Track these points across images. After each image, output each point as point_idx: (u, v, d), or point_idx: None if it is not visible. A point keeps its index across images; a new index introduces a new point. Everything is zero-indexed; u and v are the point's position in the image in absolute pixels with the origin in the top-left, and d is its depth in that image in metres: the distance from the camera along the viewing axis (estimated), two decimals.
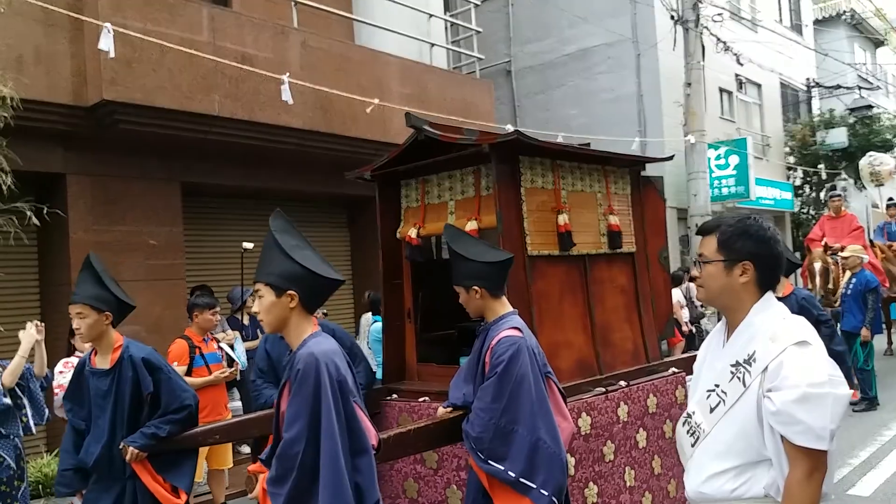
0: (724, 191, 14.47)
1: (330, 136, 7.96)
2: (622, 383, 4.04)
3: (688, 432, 2.15)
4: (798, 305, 5.17)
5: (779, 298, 4.55)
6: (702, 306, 11.76)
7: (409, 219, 4.27)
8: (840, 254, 8.95)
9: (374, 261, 9.50)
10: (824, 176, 18.57)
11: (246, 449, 7.12)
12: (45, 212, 5.66)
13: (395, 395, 4.12)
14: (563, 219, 3.97)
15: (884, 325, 12.85)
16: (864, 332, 8.15)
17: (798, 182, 18.94)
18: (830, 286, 9.05)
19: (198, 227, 8.37)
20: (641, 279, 4.53)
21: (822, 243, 9.56)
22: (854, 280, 8.54)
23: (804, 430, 1.82)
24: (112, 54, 5.47)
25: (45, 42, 6.32)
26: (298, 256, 2.49)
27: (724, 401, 2.02)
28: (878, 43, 25.56)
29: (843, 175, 18.97)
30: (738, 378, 1.98)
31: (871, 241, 11.39)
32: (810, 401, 1.81)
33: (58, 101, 6.39)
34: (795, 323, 2.01)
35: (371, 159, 8.78)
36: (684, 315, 11.10)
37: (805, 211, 19.08)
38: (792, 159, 18.82)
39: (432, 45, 9.72)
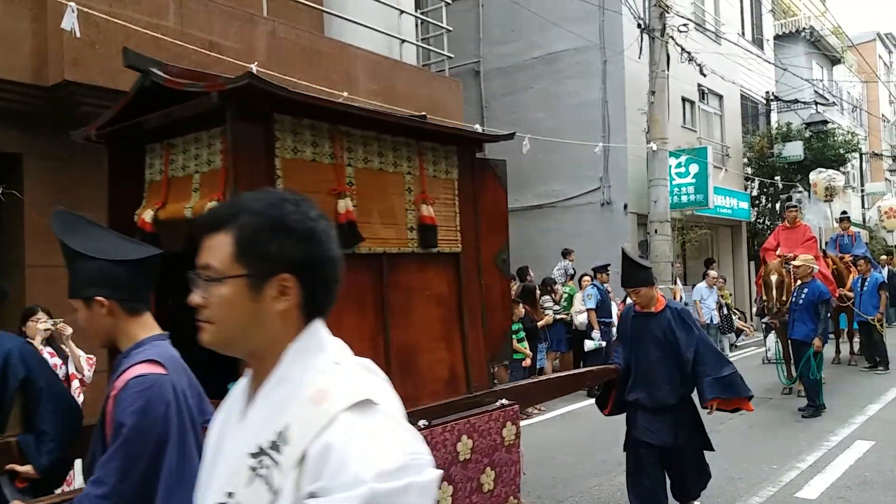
0: (684, 198, 14.76)
1: None
2: (421, 423, 3.09)
3: None
4: (678, 321, 4.55)
5: (651, 315, 4.54)
6: None
7: (151, 197, 3.23)
8: (792, 263, 9.07)
9: None
10: (780, 187, 19.05)
11: None
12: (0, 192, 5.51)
13: None
14: (344, 204, 3.00)
15: (832, 335, 13.29)
16: (817, 343, 8.23)
17: (755, 192, 19.39)
18: (784, 298, 9.12)
19: None
20: (468, 287, 3.62)
21: (777, 254, 9.67)
22: (806, 290, 8.55)
23: None
24: (78, 34, 5.34)
25: (5, 19, 6.14)
26: (90, 249, 2.02)
27: None
28: (835, 60, 26.33)
29: (799, 187, 19.50)
30: (262, 477, 1.11)
31: (823, 251, 11.74)
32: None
33: (16, 79, 6.21)
34: (357, 370, 1.25)
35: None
36: None
37: (761, 221, 19.54)
38: (750, 170, 19.27)
39: (402, 41, 9.71)
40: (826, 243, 13.54)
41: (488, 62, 15.88)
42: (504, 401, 3.67)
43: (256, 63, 6.67)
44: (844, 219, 13.25)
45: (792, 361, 9.02)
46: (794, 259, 9.03)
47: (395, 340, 3.25)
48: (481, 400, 3.62)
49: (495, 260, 3.96)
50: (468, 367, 3.62)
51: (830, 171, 16.88)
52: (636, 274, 4.54)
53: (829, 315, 8.80)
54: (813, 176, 16.87)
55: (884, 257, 16.35)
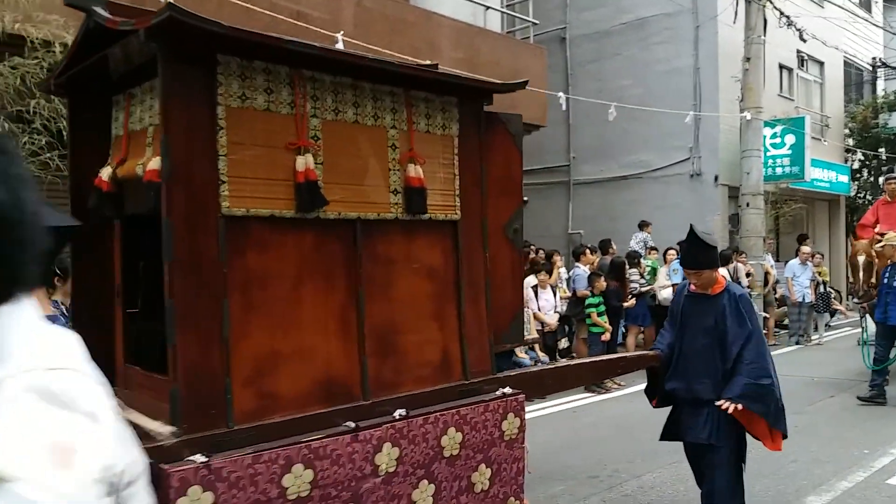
0: (779, 170, 14.12)
1: None
2: (397, 413, 2.80)
3: None
4: (733, 308, 4.03)
5: (706, 297, 4.05)
6: (748, 286, 11.57)
7: (113, 153, 2.91)
8: (876, 245, 8.45)
9: None
10: (885, 160, 17.95)
11: None
12: None
13: None
14: (304, 161, 2.62)
15: None
16: None
17: (856, 165, 18.36)
18: (874, 280, 8.50)
19: None
20: (469, 260, 3.19)
21: (876, 231, 9.01)
22: None
23: None
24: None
25: None
26: None
27: None
28: None
29: None
30: None
31: None
32: None
33: None
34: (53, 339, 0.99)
35: None
36: None
37: (861, 196, 18.51)
38: (851, 141, 18.24)
39: (487, 8, 9.60)
40: None
41: (574, 28, 15.50)
42: (507, 389, 3.26)
43: (342, 32, 6.75)
44: None
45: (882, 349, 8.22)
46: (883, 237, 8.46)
47: (372, 318, 2.84)
48: (479, 388, 3.19)
49: (505, 229, 3.45)
50: (465, 350, 3.17)
51: None
52: (700, 255, 4.04)
53: None
54: None
55: None
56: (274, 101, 2.58)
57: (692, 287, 4.16)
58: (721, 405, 3.87)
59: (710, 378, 4.00)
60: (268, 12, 6.69)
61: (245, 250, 2.50)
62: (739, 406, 3.83)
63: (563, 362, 3.84)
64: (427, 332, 3.06)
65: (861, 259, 8.68)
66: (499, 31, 10.00)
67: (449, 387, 3.09)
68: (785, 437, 4.07)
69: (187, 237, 2.32)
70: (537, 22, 10.83)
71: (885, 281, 8.14)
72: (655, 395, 4.36)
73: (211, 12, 6.41)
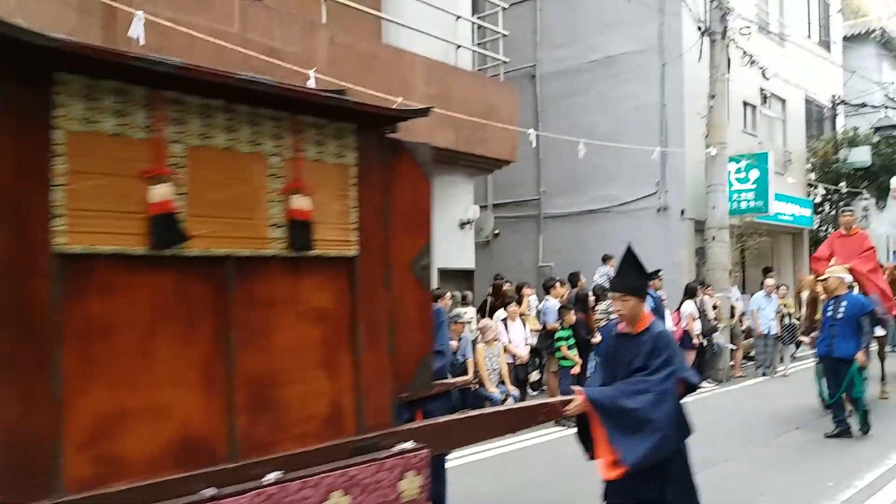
0: (743, 204, 14.42)
1: None
2: (269, 477, 2.47)
3: None
4: (651, 346, 3.65)
5: (629, 336, 3.67)
6: (715, 319, 11.74)
7: None
8: (820, 278, 8.33)
9: None
10: (845, 194, 18.44)
11: None
12: None
13: None
14: (161, 192, 2.33)
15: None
16: (861, 357, 7.62)
17: (818, 199, 18.82)
18: (818, 316, 8.42)
19: None
20: (367, 300, 2.91)
21: (831, 264, 8.80)
22: (845, 303, 7.84)
23: None
24: (142, 42, 5.56)
25: (79, 28, 6.43)
26: None
27: None
28: None
29: (865, 194, 18.82)
30: None
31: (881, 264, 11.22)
32: None
33: None
34: None
35: None
36: (696, 327, 11.09)
37: (824, 229, 18.93)
38: (813, 176, 18.70)
39: (458, 46, 9.77)
40: (894, 252, 12.95)
41: (545, 65, 15.81)
42: (408, 444, 2.91)
43: (315, 69, 6.82)
44: None
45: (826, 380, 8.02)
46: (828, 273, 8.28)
47: (245, 369, 2.54)
48: (376, 443, 2.86)
49: (412, 266, 3.15)
50: (360, 401, 2.86)
51: None
52: (632, 279, 3.75)
53: (872, 329, 8.07)
54: (893, 181, 16.20)
55: None
56: (126, 124, 2.30)
57: (620, 326, 3.86)
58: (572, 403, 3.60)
59: None
60: (240, 49, 6.75)
61: (85, 293, 2.20)
62: (585, 404, 3.56)
63: (475, 412, 3.86)
64: (314, 383, 2.74)
65: (805, 295, 8.61)
66: (470, 69, 10.17)
67: (339, 444, 2.77)
68: (627, 468, 3.50)
69: (8, 279, 2.04)
70: (507, 60, 11.05)
71: (829, 313, 8.01)
72: (590, 446, 3.78)
73: (182, 48, 6.48)
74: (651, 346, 3.65)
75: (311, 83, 6.66)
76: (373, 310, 2.93)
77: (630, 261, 3.76)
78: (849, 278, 8.19)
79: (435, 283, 9.21)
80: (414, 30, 9.02)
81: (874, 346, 9.69)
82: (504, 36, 10.93)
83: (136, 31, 5.53)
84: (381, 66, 8.34)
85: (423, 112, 3.23)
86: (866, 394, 7.97)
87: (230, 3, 7.07)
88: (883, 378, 10.33)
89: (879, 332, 9.01)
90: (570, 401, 3.68)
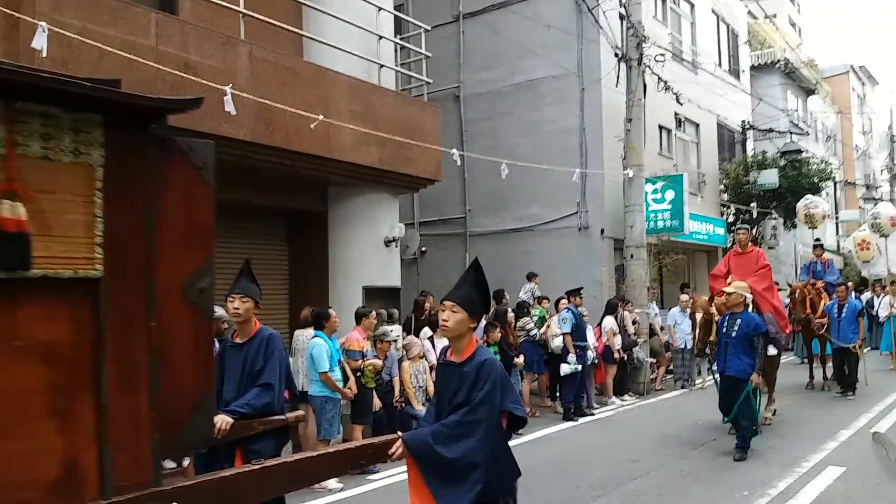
0: (660, 224, 14.89)
1: (272, 150, 7.90)
2: None
3: None
4: (475, 377, 3.27)
5: (455, 365, 3.34)
6: (635, 334, 12.03)
7: None
8: (721, 295, 8.20)
9: (314, 277, 9.46)
10: (755, 214, 19.31)
11: None
12: None
13: None
14: None
15: (804, 360, 13.33)
16: (755, 378, 7.60)
17: (731, 219, 19.63)
18: (711, 338, 8.32)
19: None
20: (120, 332, 2.39)
21: (728, 282, 8.69)
22: (739, 321, 7.70)
23: None
24: (44, 54, 5.32)
25: None
26: None
27: None
28: (809, 91, 26.87)
29: (774, 214, 19.76)
30: None
31: (777, 282, 11.66)
32: None
33: None
34: None
35: (313, 173, 8.83)
36: (617, 342, 11.34)
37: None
38: (726, 196, 19.52)
39: (381, 65, 9.79)
40: (799, 270, 13.64)
41: (468, 87, 16.03)
42: None
43: (233, 84, 6.69)
44: (818, 246, 13.31)
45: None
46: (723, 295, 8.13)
47: None
48: None
49: (185, 289, 2.61)
50: (106, 458, 2.32)
51: (814, 198, 17.09)
52: (468, 290, 3.40)
53: (765, 349, 8.07)
54: (799, 203, 17.03)
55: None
56: None
57: (448, 354, 3.51)
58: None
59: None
60: (153, 64, 6.56)
61: None
62: (399, 451, 3.27)
63: (280, 459, 3.30)
64: (37, 438, 2.21)
65: (699, 317, 8.43)
66: (393, 89, 10.20)
67: None
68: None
69: None
70: (430, 81, 11.14)
71: (724, 330, 7.86)
72: None
73: (91, 63, 6.23)
74: (474, 377, 3.27)
75: (227, 98, 6.53)
76: (127, 344, 2.39)
77: (473, 275, 3.45)
78: (749, 296, 8.18)
79: (360, 301, 9.11)
80: (336, 48, 8.98)
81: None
82: (427, 57, 11.03)
83: (40, 42, 5.30)
84: (302, 84, 8.26)
85: (194, 103, 2.74)
86: (759, 415, 8.02)
87: (146, 15, 6.87)
88: (769, 402, 9.70)
89: (772, 351, 8.94)
90: (395, 440, 3.31)
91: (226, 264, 8.98)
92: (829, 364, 12.19)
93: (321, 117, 7.52)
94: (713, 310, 8.32)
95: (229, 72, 7.44)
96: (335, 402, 7.26)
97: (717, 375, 8.40)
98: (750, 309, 8.21)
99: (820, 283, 12.13)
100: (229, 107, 6.54)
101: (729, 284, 8.35)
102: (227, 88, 6.53)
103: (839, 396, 11.32)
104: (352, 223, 9.56)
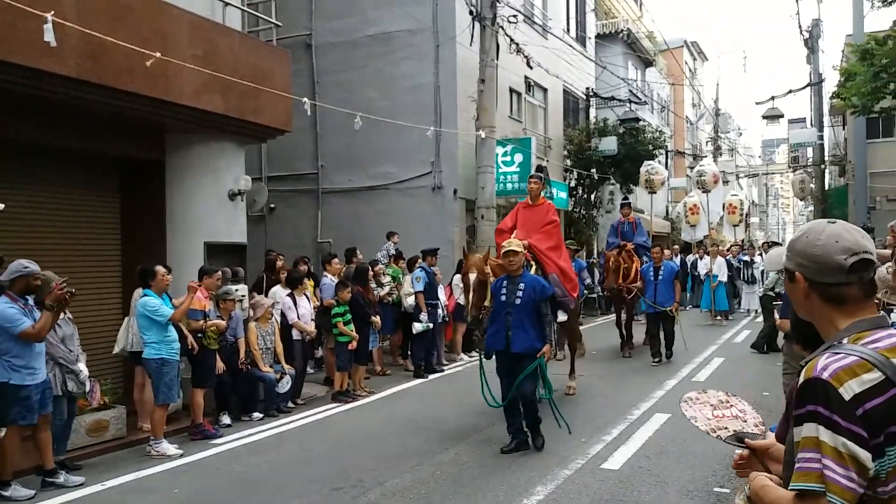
0: (509, 186, 15.26)
1: (101, 88, 7.13)
2: None
3: None
4: None
5: None
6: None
7: None
8: (504, 249, 6.65)
9: (150, 231, 8.76)
10: (596, 179, 20.31)
11: None
12: None
13: None
14: None
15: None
16: (547, 350, 6.54)
17: (573, 183, 20.52)
18: (487, 303, 6.78)
19: None
20: None
21: (513, 237, 7.44)
22: (522, 285, 6.40)
23: None
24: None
25: None
26: None
27: None
28: (648, 63, 28.43)
29: (612, 179, 20.88)
30: None
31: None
32: None
33: None
34: None
35: (149, 117, 8.10)
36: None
37: (577, 210, 20.70)
38: (569, 162, 20.35)
39: (226, 3, 9.11)
40: (608, 231, 13.91)
41: (321, 36, 15.43)
42: None
43: (53, 13, 5.92)
44: (626, 205, 13.27)
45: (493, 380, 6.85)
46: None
47: None
48: None
49: None
50: None
51: (655, 164, 18.10)
52: None
53: (554, 316, 7.22)
54: (642, 168, 17.89)
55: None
56: None
57: None
58: None
59: None
60: None
61: None
62: None
63: None
64: None
65: (472, 278, 6.95)
66: (239, 30, 9.54)
67: None
68: None
69: None
70: (280, 24, 10.53)
71: (504, 297, 6.44)
72: None
73: None
74: None
75: (48, 28, 5.76)
76: None
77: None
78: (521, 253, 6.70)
79: (202, 258, 8.58)
80: None
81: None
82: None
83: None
84: (136, 19, 7.49)
85: None
86: (551, 394, 6.85)
87: None
88: (572, 371, 9.07)
89: (561, 317, 8.00)
90: None
91: (46, 213, 8.11)
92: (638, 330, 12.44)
93: (158, 55, 6.87)
94: (488, 269, 7.02)
95: (56, 1, 6.58)
96: (173, 365, 6.75)
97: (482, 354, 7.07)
98: (533, 270, 7.27)
99: (630, 245, 12.12)
100: (49, 36, 5.78)
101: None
102: (49, 16, 5.77)
103: (656, 365, 10.80)
104: (193, 173, 8.89)
